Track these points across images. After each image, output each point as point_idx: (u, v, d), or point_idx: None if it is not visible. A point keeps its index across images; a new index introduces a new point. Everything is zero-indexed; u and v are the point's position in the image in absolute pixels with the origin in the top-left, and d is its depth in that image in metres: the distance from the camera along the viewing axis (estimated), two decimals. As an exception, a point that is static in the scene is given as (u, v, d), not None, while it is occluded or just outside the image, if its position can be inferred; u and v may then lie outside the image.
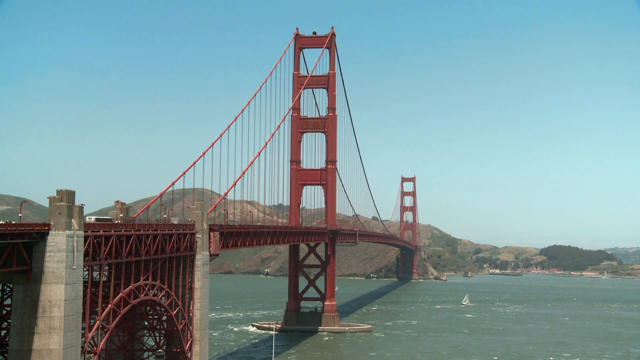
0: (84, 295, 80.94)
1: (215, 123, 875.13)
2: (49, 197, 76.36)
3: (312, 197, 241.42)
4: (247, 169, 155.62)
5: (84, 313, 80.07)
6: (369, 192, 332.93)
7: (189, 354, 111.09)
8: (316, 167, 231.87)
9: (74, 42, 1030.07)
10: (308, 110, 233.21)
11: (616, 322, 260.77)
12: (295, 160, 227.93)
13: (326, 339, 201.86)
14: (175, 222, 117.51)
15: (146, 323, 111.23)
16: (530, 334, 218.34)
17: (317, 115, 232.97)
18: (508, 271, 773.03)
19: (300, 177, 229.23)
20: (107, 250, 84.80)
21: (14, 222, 73.11)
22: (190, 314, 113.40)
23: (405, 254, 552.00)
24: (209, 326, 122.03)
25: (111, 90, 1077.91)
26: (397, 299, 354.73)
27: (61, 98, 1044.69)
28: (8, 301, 76.21)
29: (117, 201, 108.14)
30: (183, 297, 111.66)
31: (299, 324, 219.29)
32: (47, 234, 74.34)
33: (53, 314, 73.03)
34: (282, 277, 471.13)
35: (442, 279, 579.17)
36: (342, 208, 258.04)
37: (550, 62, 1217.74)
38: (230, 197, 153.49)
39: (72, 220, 76.14)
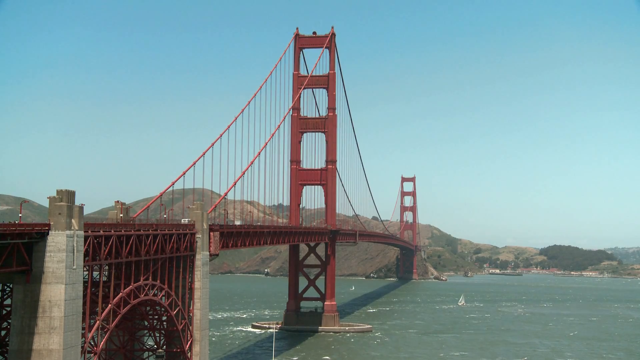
0: (84, 295, 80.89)
1: (215, 123, 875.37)
2: (49, 197, 76.17)
3: (312, 197, 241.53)
4: (247, 169, 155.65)
5: (84, 313, 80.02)
6: (369, 192, 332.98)
7: (189, 354, 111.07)
8: (316, 167, 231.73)
9: (73, 42, 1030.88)
10: (308, 110, 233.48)
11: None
12: (295, 160, 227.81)
13: (326, 339, 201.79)
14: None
15: (146, 323, 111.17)
16: (535, 334, 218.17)
17: (317, 115, 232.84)
18: (508, 271, 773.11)
19: (300, 177, 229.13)
20: (107, 250, 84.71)
21: (15, 222, 73.08)
22: (190, 314, 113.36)
23: (405, 254, 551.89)
24: (209, 326, 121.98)
25: (111, 90, 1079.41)
26: (397, 298, 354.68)
27: (61, 98, 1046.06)
28: (8, 301, 76.06)
29: (117, 201, 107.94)
30: (183, 297, 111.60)
31: (299, 324, 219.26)
32: (47, 234, 74.20)
33: (53, 314, 72.95)
34: (282, 277, 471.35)
35: (442, 279, 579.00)
36: (342, 208, 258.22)
37: (550, 62, 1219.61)
38: (230, 197, 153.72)
39: (72, 220, 76.06)
